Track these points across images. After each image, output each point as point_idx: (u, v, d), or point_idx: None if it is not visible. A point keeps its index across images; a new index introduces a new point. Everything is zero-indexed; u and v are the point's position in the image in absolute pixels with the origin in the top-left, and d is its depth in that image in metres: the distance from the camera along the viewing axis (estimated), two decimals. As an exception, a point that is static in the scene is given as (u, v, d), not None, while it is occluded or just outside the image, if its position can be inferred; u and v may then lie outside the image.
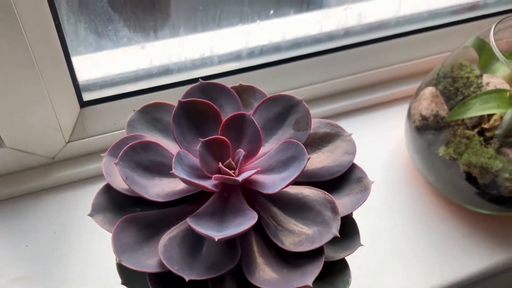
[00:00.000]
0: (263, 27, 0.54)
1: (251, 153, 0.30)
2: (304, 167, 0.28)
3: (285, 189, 0.30)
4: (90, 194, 0.48)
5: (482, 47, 0.47)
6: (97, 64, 0.49)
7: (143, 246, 0.28)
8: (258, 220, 0.28)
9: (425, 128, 0.49)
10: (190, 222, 0.27)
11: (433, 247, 0.50)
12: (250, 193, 0.30)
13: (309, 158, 0.28)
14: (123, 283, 0.28)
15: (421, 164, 0.51)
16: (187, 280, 0.25)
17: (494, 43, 0.44)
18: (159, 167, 0.31)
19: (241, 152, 0.29)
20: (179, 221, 0.29)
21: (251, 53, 0.55)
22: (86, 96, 0.49)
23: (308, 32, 0.56)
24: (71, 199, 0.49)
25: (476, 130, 0.48)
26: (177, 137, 0.30)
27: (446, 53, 0.61)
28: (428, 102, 0.50)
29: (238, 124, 0.31)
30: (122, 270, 0.28)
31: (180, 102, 0.31)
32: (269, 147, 0.32)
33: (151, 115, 0.34)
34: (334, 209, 0.28)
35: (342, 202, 0.30)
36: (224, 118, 0.31)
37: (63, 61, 0.44)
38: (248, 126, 0.30)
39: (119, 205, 0.30)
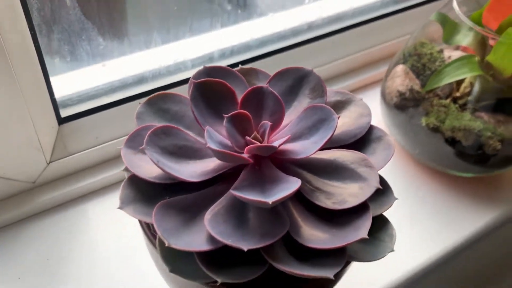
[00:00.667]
0: (231, 30, 0.55)
1: (275, 125, 0.30)
2: (336, 126, 0.28)
3: (314, 155, 0.30)
4: (78, 215, 0.47)
5: (444, 20, 0.50)
6: (72, 78, 0.47)
7: (187, 228, 0.27)
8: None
9: (404, 103, 0.51)
10: (235, 192, 0.26)
11: (426, 215, 0.51)
12: (280, 164, 0.30)
13: (338, 117, 0.28)
14: (171, 271, 0.26)
15: (404, 139, 0.53)
16: (245, 250, 0.25)
17: (458, 9, 0.47)
18: (184, 151, 0.30)
19: (267, 123, 0.29)
20: (215, 201, 0.28)
21: (223, 54, 0.55)
22: (64, 113, 0.47)
23: (274, 30, 0.57)
24: (59, 223, 0.46)
25: (449, 99, 0.50)
26: (198, 118, 0.30)
27: (406, 36, 0.64)
28: (402, 78, 0.52)
29: (256, 98, 0.30)
30: (168, 257, 0.27)
31: (194, 84, 0.30)
32: (288, 119, 0.31)
33: (157, 106, 0.33)
34: (368, 165, 0.29)
35: (370, 161, 0.30)
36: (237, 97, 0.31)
37: (40, 73, 0.42)
38: (267, 99, 0.30)
39: (147, 195, 0.29)
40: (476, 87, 0.49)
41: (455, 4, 0.47)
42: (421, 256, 0.48)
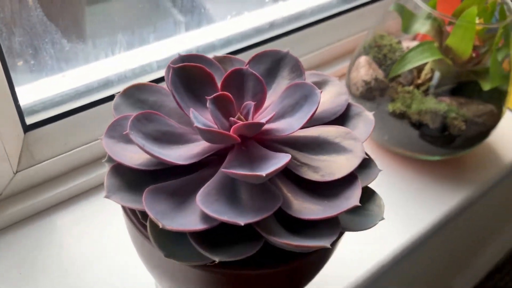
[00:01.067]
0: (196, 33, 0.55)
1: (257, 105, 0.30)
2: (319, 101, 0.28)
3: (298, 133, 0.30)
4: (49, 226, 0.45)
5: (402, 10, 0.52)
6: (36, 85, 0.46)
7: (179, 211, 0.26)
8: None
9: (370, 92, 0.53)
10: (227, 170, 0.26)
11: (398, 200, 0.52)
12: (266, 144, 0.30)
13: (321, 92, 0.29)
14: (166, 256, 0.25)
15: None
16: (242, 224, 0.24)
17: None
18: (167, 137, 0.29)
19: (250, 103, 0.29)
20: (203, 184, 0.27)
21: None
22: (29, 120, 0.45)
23: (238, 30, 0.58)
24: (29, 236, 0.45)
25: (412, 86, 0.52)
26: (179, 102, 0.29)
27: (363, 32, 0.66)
28: (366, 68, 0.53)
29: (237, 80, 0.30)
30: (162, 242, 0.26)
31: (173, 69, 0.30)
32: (270, 101, 0.32)
33: (134, 97, 0.33)
34: (352, 137, 0.29)
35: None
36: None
37: (3, 77, 0.40)
38: (248, 80, 0.30)
39: (133, 183, 0.28)
40: (437, 73, 0.51)
41: (412, -9, 0.49)
42: (395, 241, 0.48)
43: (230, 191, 0.27)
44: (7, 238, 0.44)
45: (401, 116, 0.51)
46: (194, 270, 0.27)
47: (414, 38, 0.58)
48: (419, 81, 0.53)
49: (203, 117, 0.29)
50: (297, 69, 0.32)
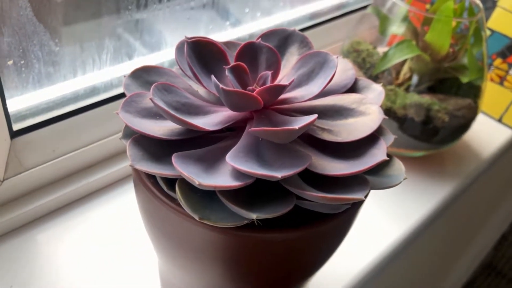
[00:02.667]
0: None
1: (273, 76, 0.30)
2: (337, 66, 0.29)
3: (314, 102, 0.31)
4: (40, 237, 0.42)
5: (378, 13, 0.55)
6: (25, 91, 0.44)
7: (209, 172, 0.26)
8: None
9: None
10: (256, 128, 0.26)
11: (386, 197, 0.53)
12: (283, 113, 0.30)
13: (337, 57, 0.30)
14: (201, 218, 0.25)
15: (358, 127, 0.55)
16: (280, 176, 0.24)
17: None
18: (187, 108, 0.29)
19: (267, 73, 0.29)
20: (226, 152, 0.27)
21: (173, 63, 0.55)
22: (16, 126, 0.43)
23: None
24: (20, 247, 0.42)
25: (392, 86, 0.54)
26: (196, 73, 0.29)
27: (338, 44, 0.68)
28: (348, 70, 0.55)
29: (250, 53, 0.31)
30: (194, 206, 0.25)
31: (188, 43, 0.30)
32: (282, 74, 0.32)
33: (143, 79, 0.32)
34: (368, 102, 0.30)
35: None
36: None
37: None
38: (261, 52, 0.31)
39: (156, 153, 0.27)
40: (416, 71, 0.54)
41: (389, -7, 0.52)
42: (384, 240, 0.49)
43: (257, 154, 0.27)
44: (-6, 250, 0.41)
45: (387, 112, 0.52)
46: (222, 237, 0.26)
47: (387, 45, 0.61)
48: (398, 82, 0.55)
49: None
50: (306, 44, 0.33)
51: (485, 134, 0.63)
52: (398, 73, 0.55)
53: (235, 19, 0.61)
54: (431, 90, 0.54)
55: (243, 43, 0.34)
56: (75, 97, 0.48)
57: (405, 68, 0.55)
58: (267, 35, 0.34)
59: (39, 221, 0.44)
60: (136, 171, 0.29)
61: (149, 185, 0.28)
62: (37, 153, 0.44)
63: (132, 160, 0.26)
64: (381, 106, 0.51)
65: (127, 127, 0.30)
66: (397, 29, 0.54)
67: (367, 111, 0.29)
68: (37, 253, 0.42)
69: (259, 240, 0.26)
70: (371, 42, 0.58)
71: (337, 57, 0.30)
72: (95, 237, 0.44)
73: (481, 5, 0.52)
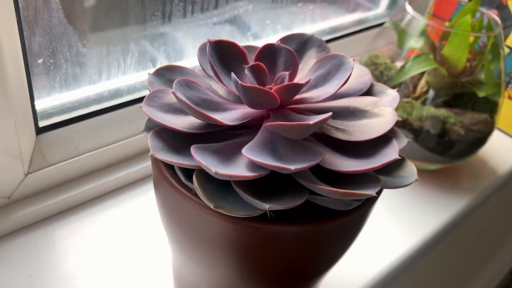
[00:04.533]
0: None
1: (291, 76, 0.31)
2: (352, 69, 0.30)
3: (329, 104, 0.32)
4: (60, 231, 0.44)
5: (397, 28, 0.56)
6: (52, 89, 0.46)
7: (226, 163, 0.27)
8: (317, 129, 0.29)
9: (371, 103, 0.55)
10: (272, 123, 0.27)
11: (400, 209, 0.53)
12: (299, 112, 0.31)
13: (354, 59, 0.31)
14: (215, 207, 0.26)
15: (374, 138, 0.56)
16: (293, 169, 0.25)
17: (412, 10, 0.52)
18: (207, 104, 0.30)
19: (285, 73, 0.30)
20: (243, 147, 0.28)
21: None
22: (41, 123, 0.45)
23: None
24: (39, 240, 0.43)
25: (409, 99, 0.55)
26: (217, 71, 0.30)
27: (357, 57, 0.69)
28: (366, 82, 0.56)
29: (270, 55, 0.32)
30: (210, 195, 0.26)
31: (210, 42, 0.31)
32: (300, 76, 0.33)
33: (166, 77, 0.33)
34: (382, 104, 0.31)
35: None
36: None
37: (23, 74, 0.41)
38: (280, 54, 0.32)
39: (176, 145, 0.28)
40: (432, 85, 0.54)
41: (408, 7, 0.53)
42: (396, 250, 0.49)
43: (272, 149, 0.28)
44: (12, 243, 0.43)
45: (403, 124, 0.53)
46: (236, 227, 0.27)
47: (405, 60, 0.61)
48: (415, 95, 0.56)
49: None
50: (324, 48, 0.34)
51: (501, 150, 0.63)
52: (415, 86, 0.56)
53: (254, 33, 0.63)
54: (448, 104, 0.54)
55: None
56: (99, 98, 0.49)
57: (422, 82, 0.55)
58: (286, 39, 0.35)
59: (59, 216, 0.46)
60: (156, 163, 0.30)
61: (168, 176, 0.29)
62: (61, 149, 0.46)
63: (153, 150, 0.27)
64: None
65: (149, 121, 0.31)
66: (415, 43, 0.55)
67: (381, 113, 0.30)
68: (56, 247, 0.43)
69: (271, 232, 0.27)
70: (389, 56, 0.59)
71: (354, 59, 0.31)
72: (112, 235, 0.45)
73: (499, 21, 0.53)
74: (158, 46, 0.53)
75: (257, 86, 0.28)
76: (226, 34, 0.59)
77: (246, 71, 0.30)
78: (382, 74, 0.58)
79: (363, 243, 0.48)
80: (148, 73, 0.33)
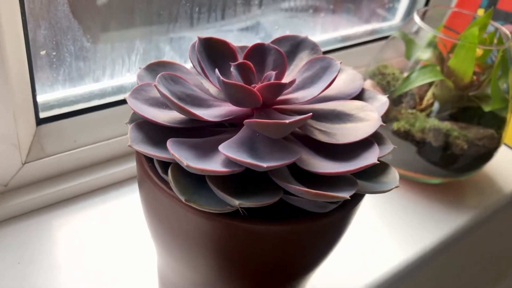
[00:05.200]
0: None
1: (278, 75, 0.31)
2: (339, 71, 0.30)
3: (315, 106, 0.31)
4: (52, 222, 0.44)
5: (405, 37, 0.55)
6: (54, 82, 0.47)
7: (201, 158, 0.27)
8: (298, 130, 0.29)
9: (374, 112, 0.54)
10: (250, 120, 0.26)
11: (401, 222, 0.52)
12: (284, 113, 0.31)
13: (340, 62, 0.30)
14: (187, 200, 0.26)
15: (376, 148, 0.55)
16: (265, 166, 0.25)
17: (420, 20, 0.52)
18: (191, 99, 0.30)
19: (271, 73, 0.30)
20: (218, 144, 0.28)
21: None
22: (42, 114, 0.46)
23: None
24: (32, 229, 0.44)
25: (414, 110, 0.54)
26: (204, 68, 0.31)
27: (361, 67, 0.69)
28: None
29: (259, 54, 0.32)
30: (183, 188, 0.26)
31: (200, 39, 0.31)
32: (290, 77, 0.33)
33: (156, 72, 0.34)
34: (369, 109, 0.30)
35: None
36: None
37: (26, 66, 0.42)
38: (269, 55, 0.32)
39: (156, 138, 0.29)
40: (438, 98, 0.53)
41: (416, 18, 0.53)
42: (391, 262, 0.48)
43: (251, 147, 0.27)
44: (10, 229, 0.43)
45: (405, 135, 0.52)
46: (207, 222, 0.27)
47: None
48: (422, 107, 0.55)
49: (226, 83, 0.30)
50: (316, 51, 0.34)
51: (509, 167, 0.61)
52: (422, 98, 0.55)
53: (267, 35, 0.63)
54: (454, 117, 0.53)
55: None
56: (102, 94, 0.50)
57: (429, 94, 0.54)
58: (279, 40, 0.35)
59: (53, 207, 0.46)
60: (139, 158, 0.30)
61: (148, 170, 0.29)
62: (60, 141, 0.46)
63: (131, 141, 0.28)
64: (399, 128, 0.51)
65: (134, 114, 0.31)
66: (422, 54, 0.55)
67: (366, 118, 0.30)
68: (47, 237, 0.44)
69: (244, 230, 0.27)
70: (399, 68, 0.58)
71: (341, 62, 0.30)
72: (105, 229, 0.45)
73: (510, 35, 0.52)
74: (176, 47, 0.53)
75: (238, 83, 0.28)
76: (247, 40, 0.59)
77: (232, 68, 0.30)
78: (389, 84, 0.57)
79: (355, 252, 0.48)
80: (140, 67, 0.34)
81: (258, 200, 0.26)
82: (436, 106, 0.53)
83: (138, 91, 0.31)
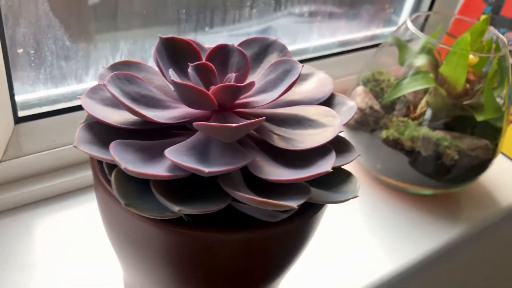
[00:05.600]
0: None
1: (239, 78, 0.30)
2: (300, 74, 0.28)
3: (277, 110, 0.30)
4: (28, 221, 0.44)
5: (399, 43, 0.53)
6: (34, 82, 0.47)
7: (146, 162, 0.25)
8: (256, 134, 0.28)
9: (364, 119, 0.53)
10: (199, 123, 0.25)
11: (390, 233, 0.50)
12: (244, 116, 0.30)
13: (302, 66, 0.29)
14: (126, 205, 0.25)
15: (366, 157, 0.53)
16: (206, 171, 0.24)
17: (412, 26, 0.50)
18: (146, 100, 0.29)
19: (232, 75, 0.29)
20: (168, 147, 0.27)
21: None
22: (21, 113, 0.45)
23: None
24: (4, 229, 0.43)
25: (406, 118, 0.52)
26: (162, 68, 0.30)
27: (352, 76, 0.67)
28: (362, 97, 0.54)
29: (222, 55, 0.31)
30: (124, 192, 0.25)
31: (161, 38, 0.31)
32: (250, 79, 0.32)
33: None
34: (331, 115, 0.29)
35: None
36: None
37: (1, 64, 0.41)
38: (233, 56, 0.31)
39: (105, 139, 0.28)
40: (431, 106, 0.51)
41: (409, 24, 0.51)
42: (381, 272, 0.46)
43: (202, 151, 0.26)
44: (-19, 228, 0.43)
45: (394, 143, 0.50)
46: (153, 229, 0.26)
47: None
48: (415, 115, 0.53)
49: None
50: (285, 54, 0.33)
51: (506, 178, 0.59)
52: (416, 107, 0.53)
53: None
54: (448, 127, 0.51)
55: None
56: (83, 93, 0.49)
57: (423, 102, 0.53)
58: (248, 42, 0.34)
59: (30, 206, 0.46)
60: (92, 162, 0.29)
61: (97, 173, 0.28)
62: (38, 140, 0.46)
63: (77, 142, 0.27)
64: (388, 136, 0.49)
65: (89, 114, 0.30)
66: (415, 60, 0.53)
67: (327, 124, 0.28)
68: (22, 236, 0.43)
69: (192, 237, 0.26)
70: (395, 75, 0.56)
71: (303, 65, 0.29)
72: (80, 231, 0.45)
73: (506, 42, 0.50)
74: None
75: (190, 84, 0.27)
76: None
77: (189, 70, 0.29)
78: (382, 91, 0.55)
79: (343, 263, 0.46)
80: (103, 67, 0.33)
81: (202, 207, 0.25)
82: (428, 114, 0.51)
83: (95, 91, 0.30)
